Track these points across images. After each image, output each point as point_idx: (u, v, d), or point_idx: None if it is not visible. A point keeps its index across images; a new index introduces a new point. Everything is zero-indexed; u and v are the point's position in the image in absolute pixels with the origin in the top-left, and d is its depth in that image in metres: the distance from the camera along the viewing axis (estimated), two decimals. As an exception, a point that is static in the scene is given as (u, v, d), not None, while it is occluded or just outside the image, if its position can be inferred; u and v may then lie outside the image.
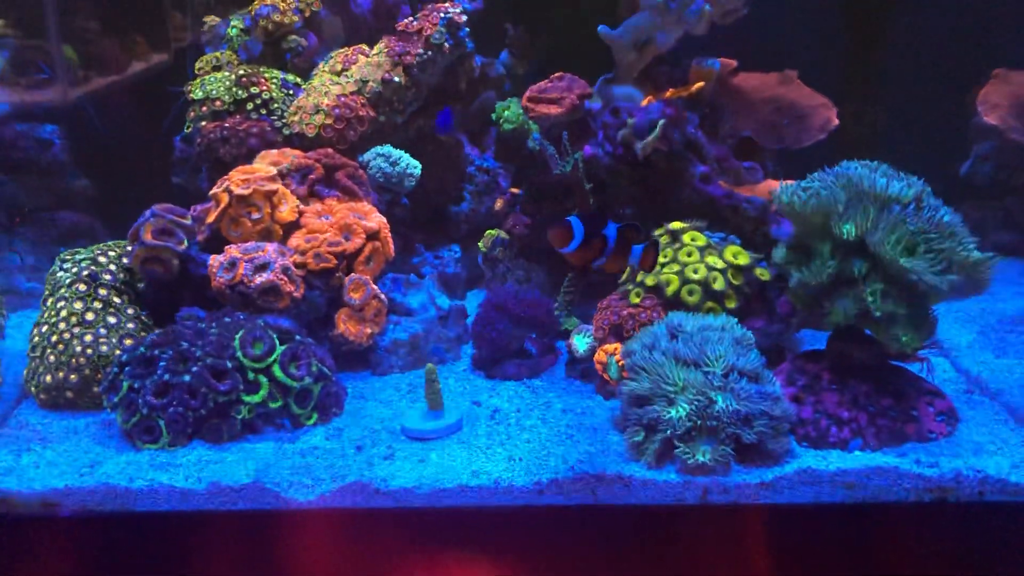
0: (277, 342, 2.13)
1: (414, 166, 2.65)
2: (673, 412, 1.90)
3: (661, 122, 2.36)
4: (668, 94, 2.51)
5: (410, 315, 2.50)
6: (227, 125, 2.63)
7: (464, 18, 2.70)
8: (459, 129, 2.87)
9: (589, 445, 2.03)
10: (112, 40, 3.09)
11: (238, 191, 2.30)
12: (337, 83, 2.69)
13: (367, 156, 2.64)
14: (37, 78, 3.00)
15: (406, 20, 2.72)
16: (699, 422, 1.90)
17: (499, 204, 2.72)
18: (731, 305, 2.25)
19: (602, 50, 2.67)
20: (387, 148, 2.65)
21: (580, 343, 2.35)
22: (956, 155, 3.06)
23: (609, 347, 2.24)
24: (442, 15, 2.67)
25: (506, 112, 2.86)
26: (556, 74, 2.60)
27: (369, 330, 2.35)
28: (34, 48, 2.98)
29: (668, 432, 1.90)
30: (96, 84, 3.06)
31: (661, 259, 2.31)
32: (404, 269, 2.75)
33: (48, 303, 2.30)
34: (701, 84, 2.54)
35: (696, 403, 1.90)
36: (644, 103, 2.51)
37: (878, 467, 1.93)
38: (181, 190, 2.95)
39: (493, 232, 2.68)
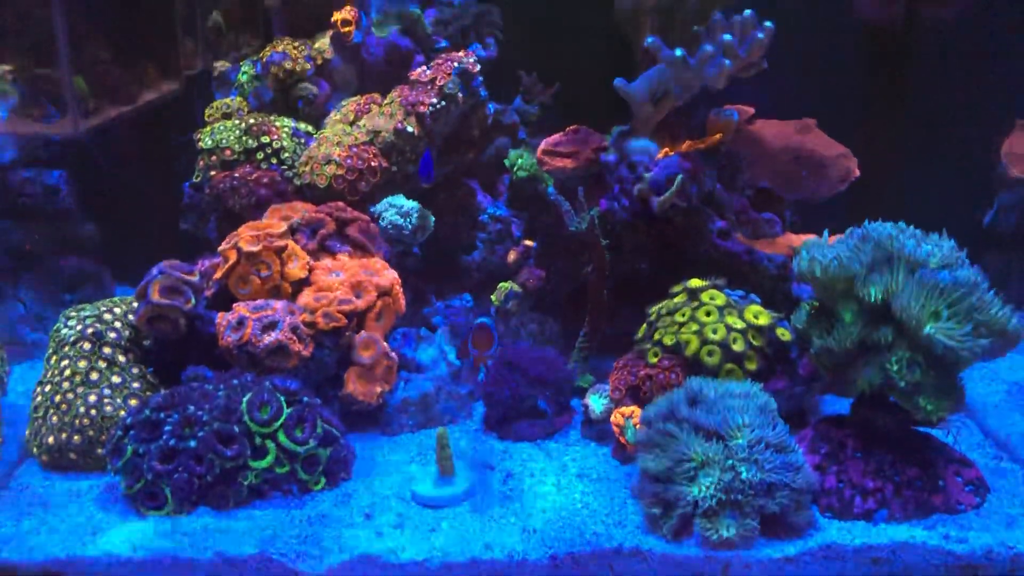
0: (284, 405, 2.07)
1: (427, 218, 2.61)
2: (695, 490, 1.83)
3: (679, 178, 2.31)
4: (685, 146, 2.46)
5: (421, 371, 2.44)
6: (237, 175, 2.60)
7: (478, 67, 2.67)
8: (448, 172, 2.80)
9: (606, 515, 1.97)
10: (123, 69, 3.07)
11: (247, 248, 2.26)
12: (349, 133, 2.65)
13: (379, 207, 2.60)
14: (46, 123, 2.97)
15: (419, 69, 2.69)
16: (723, 497, 1.83)
17: (512, 256, 2.67)
18: (751, 366, 2.19)
19: (617, 97, 2.63)
20: (399, 199, 2.61)
21: (596, 404, 2.29)
22: (980, 204, 3.00)
23: (626, 409, 2.18)
24: (456, 65, 2.64)
25: (520, 160, 2.81)
26: (571, 127, 2.56)
27: (379, 389, 2.30)
28: (45, 79, 2.95)
29: (689, 509, 1.84)
30: (106, 115, 3.03)
31: (679, 318, 2.25)
32: (415, 319, 2.70)
33: (52, 361, 2.26)
34: (719, 136, 2.49)
35: (721, 480, 1.83)
36: (660, 156, 2.46)
37: (905, 542, 1.87)
38: (189, 236, 2.92)
39: (506, 285, 2.63)
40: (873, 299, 1.92)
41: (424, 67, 2.69)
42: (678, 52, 2.32)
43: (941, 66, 3.00)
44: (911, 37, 2.98)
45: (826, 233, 2.15)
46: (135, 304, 2.27)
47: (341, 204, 2.52)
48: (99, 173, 3.00)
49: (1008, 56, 2.95)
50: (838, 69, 3.02)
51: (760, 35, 2.32)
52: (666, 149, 2.48)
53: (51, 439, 2.16)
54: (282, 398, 2.08)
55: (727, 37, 2.29)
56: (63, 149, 2.99)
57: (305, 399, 2.12)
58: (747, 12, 2.36)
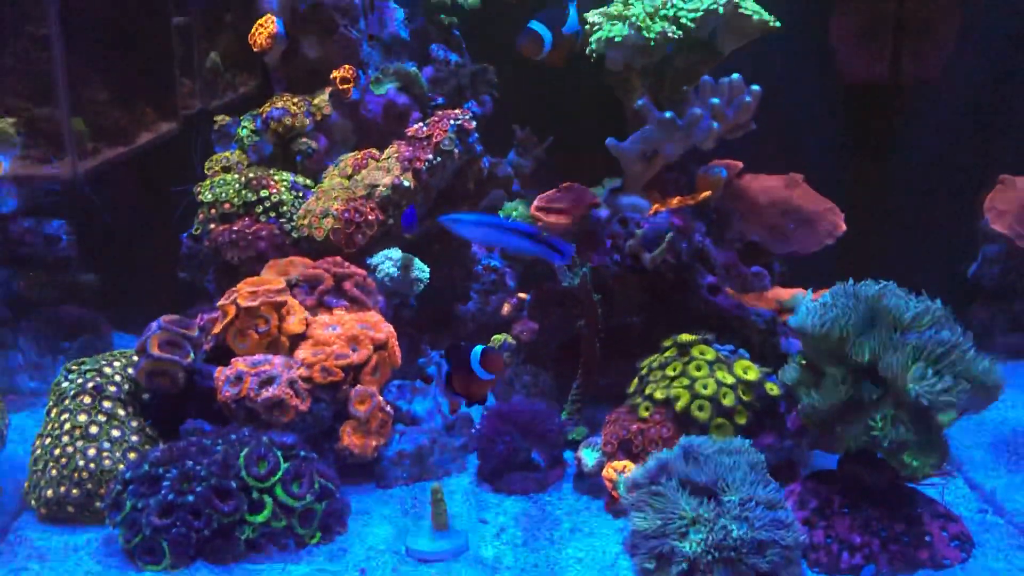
0: (281, 459, 2.10)
1: (422, 271, 2.66)
2: (686, 546, 1.86)
3: (669, 235, 2.37)
4: (675, 202, 2.52)
5: (416, 423, 2.47)
6: (236, 228, 2.65)
7: (473, 124, 2.73)
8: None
9: (599, 570, 2.00)
10: (121, 110, 3.11)
11: (245, 304, 2.30)
12: (347, 187, 2.71)
13: (376, 259, 2.65)
14: (46, 169, 3.00)
15: (416, 126, 2.75)
16: (716, 554, 1.86)
17: (506, 309, 2.72)
18: (741, 421, 2.23)
19: (608, 151, 2.69)
20: (396, 252, 2.66)
21: (589, 457, 2.32)
22: (964, 256, 3.06)
23: (618, 464, 2.21)
24: (452, 122, 2.70)
25: (514, 212, 2.87)
26: (564, 184, 2.62)
27: (374, 442, 2.33)
28: (44, 120, 2.99)
29: (684, 565, 1.86)
30: (105, 156, 3.06)
31: (670, 372, 2.29)
32: (410, 370, 2.74)
33: (52, 414, 2.28)
34: (708, 193, 2.55)
35: (712, 537, 1.86)
36: (651, 212, 2.52)
37: (892, 598, 1.90)
38: (187, 285, 2.96)
39: (500, 337, 2.67)
40: (859, 359, 1.97)
41: (421, 124, 2.75)
42: (668, 114, 2.39)
43: (924, 123, 3.08)
44: (895, 95, 3.07)
45: (810, 292, 2.20)
46: (135, 358, 2.30)
47: (338, 259, 2.56)
48: (97, 215, 3.04)
49: (989, 113, 3.03)
50: (824, 125, 3.09)
51: (747, 98, 2.39)
52: (657, 205, 2.54)
53: (50, 492, 2.19)
54: (279, 453, 2.11)
55: (715, 100, 2.36)
56: (63, 197, 3.03)
57: (302, 453, 2.15)
58: (735, 76, 2.43)
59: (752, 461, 2.00)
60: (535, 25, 2.44)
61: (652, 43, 2.41)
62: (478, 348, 2.03)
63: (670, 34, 2.39)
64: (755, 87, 2.43)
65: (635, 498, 1.95)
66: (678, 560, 1.87)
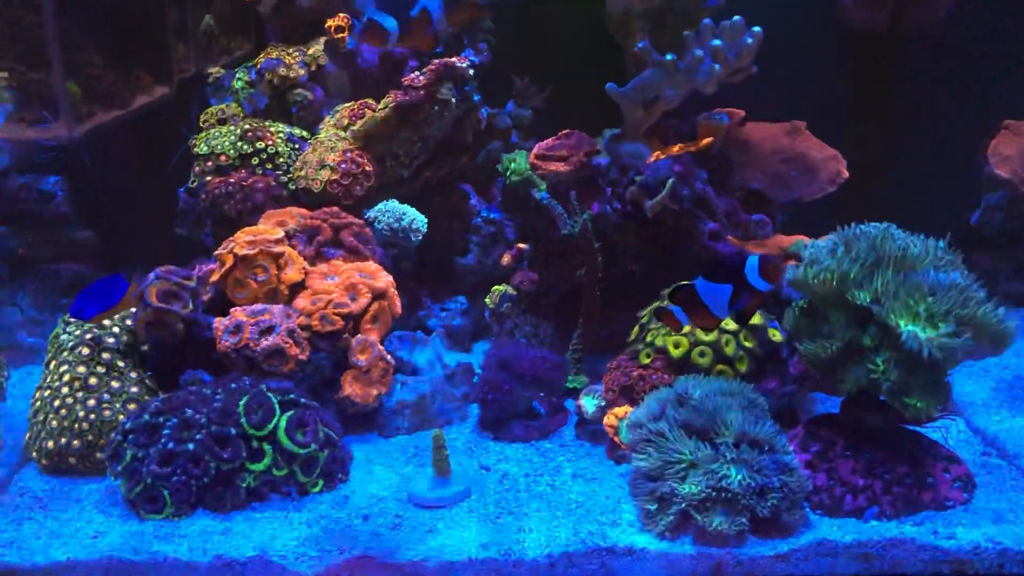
0: (279, 408, 2.09)
1: (420, 222, 2.64)
2: (686, 488, 1.86)
3: (671, 181, 2.34)
4: (676, 149, 2.49)
5: (416, 374, 2.47)
6: (232, 180, 2.62)
7: (471, 73, 2.69)
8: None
9: (600, 515, 2.00)
10: (115, 74, 3.08)
11: (243, 252, 2.28)
12: (343, 138, 2.68)
13: (373, 212, 2.63)
14: (40, 127, 2.97)
15: (412, 75, 2.71)
16: (713, 495, 1.86)
17: (506, 260, 2.70)
18: (742, 368, 2.22)
19: (609, 99, 2.66)
20: (393, 204, 2.63)
21: (589, 404, 2.31)
22: (967, 204, 3.03)
23: (619, 410, 2.20)
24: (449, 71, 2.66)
25: (512, 164, 2.84)
26: (563, 131, 2.58)
27: (375, 391, 2.32)
28: (38, 83, 2.96)
29: (684, 505, 1.86)
30: (99, 119, 3.03)
31: (670, 319, 2.28)
32: (410, 322, 2.73)
33: (51, 366, 2.27)
34: (710, 139, 2.52)
35: (709, 477, 1.86)
36: (652, 159, 2.49)
37: (895, 538, 1.90)
38: (185, 241, 2.93)
39: (500, 288, 2.65)
40: (862, 301, 1.95)
41: (417, 72, 2.71)
42: (668, 57, 2.35)
43: (928, 68, 3.04)
44: (898, 40, 3.02)
45: (812, 243, 2.18)
46: (133, 310, 2.29)
47: (335, 209, 2.54)
48: (92, 177, 3.02)
49: (993, 58, 2.99)
50: (826, 73, 3.05)
51: (749, 40, 2.36)
52: (657, 152, 2.52)
53: (51, 444, 2.18)
54: (275, 400, 2.10)
55: (716, 43, 2.32)
56: (58, 155, 3.00)
57: (303, 401, 2.15)
58: (736, 18, 2.39)
59: (749, 401, 1.99)
60: (374, 14, 2.09)
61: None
62: (754, 258, 1.83)
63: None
64: (756, 28, 2.39)
65: (636, 436, 1.94)
66: (680, 500, 1.87)
